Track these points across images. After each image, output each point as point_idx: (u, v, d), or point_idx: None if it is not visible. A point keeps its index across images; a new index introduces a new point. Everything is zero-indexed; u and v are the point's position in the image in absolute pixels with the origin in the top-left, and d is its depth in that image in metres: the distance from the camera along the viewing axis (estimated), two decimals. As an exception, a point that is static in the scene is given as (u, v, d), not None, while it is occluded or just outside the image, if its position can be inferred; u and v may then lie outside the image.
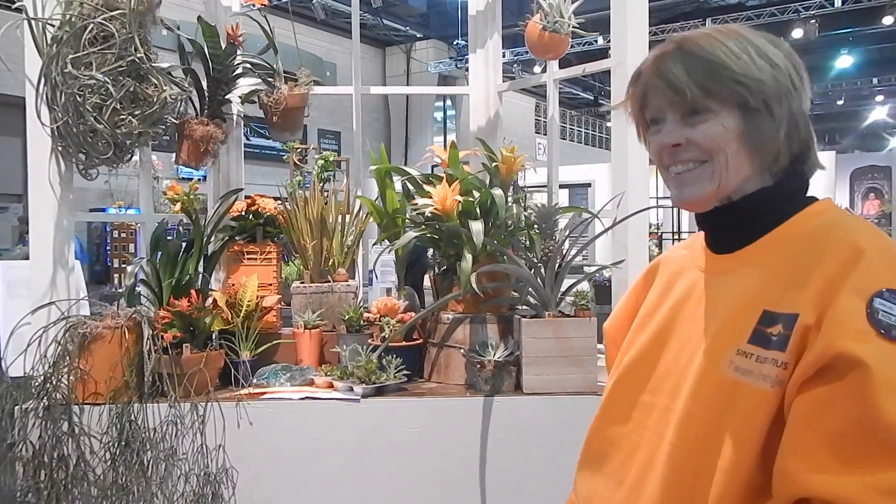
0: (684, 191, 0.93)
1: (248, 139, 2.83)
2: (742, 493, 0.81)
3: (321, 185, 2.58)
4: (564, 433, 2.06)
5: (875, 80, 17.76)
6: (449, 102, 18.74)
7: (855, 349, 0.74)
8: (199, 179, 2.43)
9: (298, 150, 3.09)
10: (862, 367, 0.73)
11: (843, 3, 12.38)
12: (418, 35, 18.62)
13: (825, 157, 9.37)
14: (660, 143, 0.94)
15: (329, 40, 16.41)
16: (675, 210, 8.62)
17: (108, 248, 11.71)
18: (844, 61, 15.61)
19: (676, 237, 8.75)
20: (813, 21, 12.89)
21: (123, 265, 10.48)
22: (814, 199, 0.93)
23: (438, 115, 19.22)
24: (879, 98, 19.78)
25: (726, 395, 0.84)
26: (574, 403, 2.05)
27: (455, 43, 17.83)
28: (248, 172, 2.75)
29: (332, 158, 3.03)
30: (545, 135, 23.10)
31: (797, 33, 12.93)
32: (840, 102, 19.43)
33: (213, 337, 2.24)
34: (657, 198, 8.10)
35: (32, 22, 1.97)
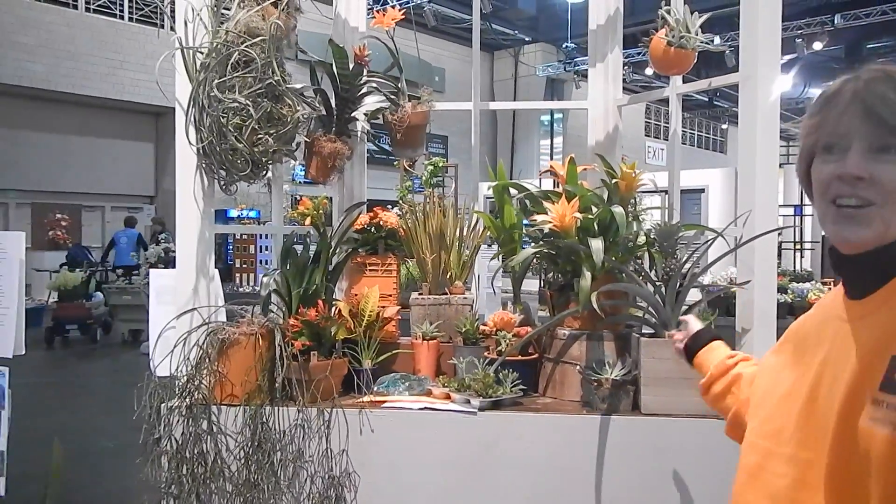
0: (847, 229, 0.90)
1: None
2: None
3: (431, 189, 2.64)
4: (684, 456, 2.03)
5: None
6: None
7: None
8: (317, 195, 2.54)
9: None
10: None
11: None
12: (527, 38, 18.59)
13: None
14: (838, 173, 0.90)
15: (438, 45, 16.68)
16: (797, 219, 8.19)
17: (229, 248, 12.38)
18: None
19: (798, 248, 8.32)
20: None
21: (244, 265, 11.06)
22: None
23: (545, 119, 19.11)
24: None
25: (864, 446, 0.82)
26: (695, 426, 2.02)
27: (564, 46, 17.68)
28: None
29: (440, 164, 3.10)
30: (655, 137, 22.50)
31: (937, 28, 12.00)
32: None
33: (337, 345, 2.35)
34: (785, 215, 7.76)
35: (184, 50, 2.13)
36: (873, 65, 0.91)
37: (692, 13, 2.14)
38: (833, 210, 0.91)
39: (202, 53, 2.09)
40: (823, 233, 1.00)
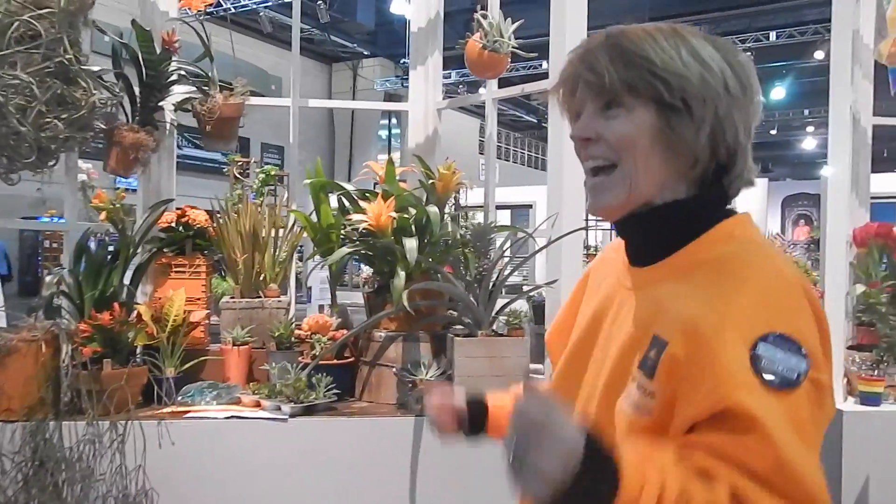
0: (597, 199, 0.89)
1: (181, 149, 2.78)
2: None
3: (261, 200, 2.53)
4: (498, 452, 2.06)
5: (806, 112, 18.45)
6: (394, 121, 18.74)
7: (747, 402, 0.71)
8: (126, 189, 2.34)
9: (239, 163, 3.03)
10: (758, 424, 0.69)
11: (777, 38, 12.93)
12: (365, 52, 18.62)
13: (758, 183, 9.67)
14: (571, 137, 0.90)
15: (275, 54, 16.25)
16: (615, 232, 8.69)
17: (39, 258, 11.29)
18: (778, 93, 16.10)
19: (615, 259, 8.86)
20: (749, 53, 13.37)
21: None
22: (731, 213, 0.89)
23: (383, 133, 19.21)
24: (810, 129, 20.57)
25: (615, 422, 0.83)
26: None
27: (402, 62, 17.89)
28: (185, 184, 2.67)
29: (272, 172, 2.99)
30: (490, 155, 23.38)
31: (732, 65, 13.38)
32: (773, 132, 20.14)
33: (137, 352, 2.17)
34: (596, 219, 8.22)
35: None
36: (611, 28, 0.89)
37: (506, 19, 2.20)
38: (588, 181, 0.90)
39: (-25, 21, 1.86)
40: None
